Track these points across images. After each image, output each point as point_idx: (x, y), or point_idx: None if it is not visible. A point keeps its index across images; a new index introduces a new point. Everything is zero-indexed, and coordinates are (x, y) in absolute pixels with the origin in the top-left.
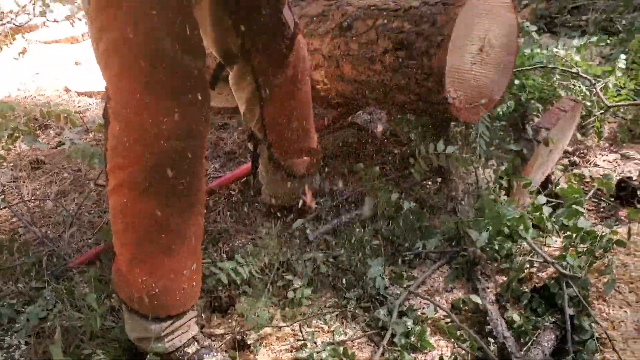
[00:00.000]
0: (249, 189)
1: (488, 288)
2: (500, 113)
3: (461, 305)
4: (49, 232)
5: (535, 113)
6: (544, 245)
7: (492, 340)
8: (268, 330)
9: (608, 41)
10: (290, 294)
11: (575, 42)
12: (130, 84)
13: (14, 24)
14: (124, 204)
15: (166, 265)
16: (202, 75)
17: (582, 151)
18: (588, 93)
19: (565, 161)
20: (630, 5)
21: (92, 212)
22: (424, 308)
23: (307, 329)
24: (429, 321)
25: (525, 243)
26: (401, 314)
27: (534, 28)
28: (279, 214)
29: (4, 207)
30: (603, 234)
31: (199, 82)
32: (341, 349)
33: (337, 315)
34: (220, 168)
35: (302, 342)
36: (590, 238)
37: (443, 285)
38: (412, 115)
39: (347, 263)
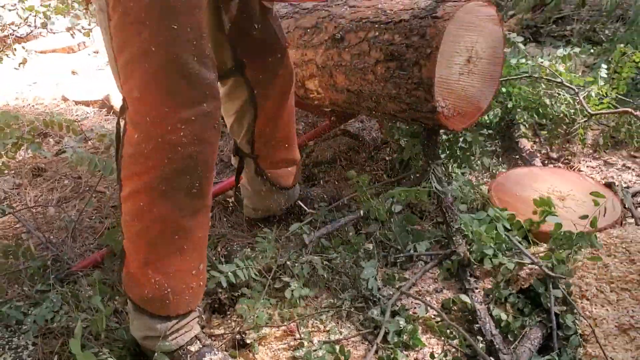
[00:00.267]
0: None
1: (476, 288)
2: (488, 121)
3: (451, 305)
4: (52, 237)
5: (521, 121)
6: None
7: (480, 338)
8: (266, 330)
9: (592, 51)
10: (288, 295)
11: (560, 51)
12: (151, 95)
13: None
14: (140, 208)
15: (178, 266)
16: (215, 86)
17: (566, 157)
18: (572, 101)
19: (551, 167)
20: (612, 16)
21: (93, 217)
22: (415, 308)
23: (304, 329)
24: (420, 320)
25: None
26: (394, 314)
27: (520, 39)
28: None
29: (9, 213)
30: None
31: (212, 92)
32: (337, 347)
33: (332, 315)
34: (216, 176)
35: (299, 341)
36: (566, 240)
37: (433, 286)
38: (403, 124)
39: (342, 265)
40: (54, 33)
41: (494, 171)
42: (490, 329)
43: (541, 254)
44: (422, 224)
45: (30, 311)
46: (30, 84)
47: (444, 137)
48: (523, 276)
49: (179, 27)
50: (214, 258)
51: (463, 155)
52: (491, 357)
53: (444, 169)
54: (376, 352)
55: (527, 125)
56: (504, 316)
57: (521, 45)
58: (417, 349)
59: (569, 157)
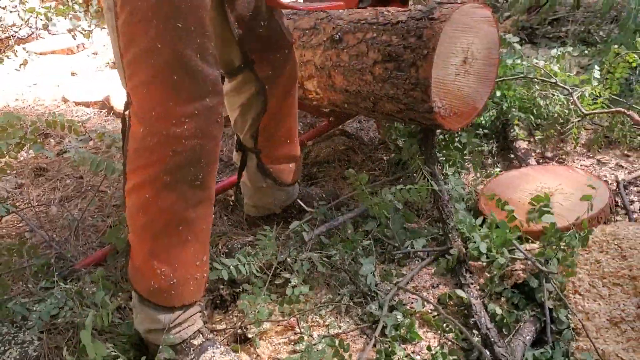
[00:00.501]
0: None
1: (472, 284)
2: (483, 122)
3: (447, 300)
4: (54, 235)
5: (516, 122)
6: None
7: (476, 332)
8: (267, 325)
9: (586, 52)
10: (288, 291)
11: (554, 52)
12: (157, 90)
13: (17, 37)
14: (145, 200)
15: (182, 257)
16: (218, 81)
17: (560, 157)
18: (566, 102)
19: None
20: (606, 17)
21: (95, 216)
22: (412, 303)
23: (304, 324)
24: (417, 314)
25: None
26: (391, 308)
27: (516, 39)
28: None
29: (12, 212)
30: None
31: (215, 88)
32: (337, 340)
33: (331, 310)
34: (216, 175)
35: (300, 335)
36: (557, 237)
37: (430, 282)
38: (400, 124)
39: (341, 262)
40: (52, 35)
41: (489, 171)
42: (486, 322)
43: (535, 251)
44: (419, 222)
45: (35, 307)
46: (30, 85)
47: (441, 137)
48: (517, 271)
49: (184, 26)
50: (215, 255)
51: (458, 155)
52: (486, 350)
53: (440, 168)
54: (374, 345)
55: (522, 125)
56: (498, 310)
57: (517, 46)
58: (414, 342)
59: (563, 157)
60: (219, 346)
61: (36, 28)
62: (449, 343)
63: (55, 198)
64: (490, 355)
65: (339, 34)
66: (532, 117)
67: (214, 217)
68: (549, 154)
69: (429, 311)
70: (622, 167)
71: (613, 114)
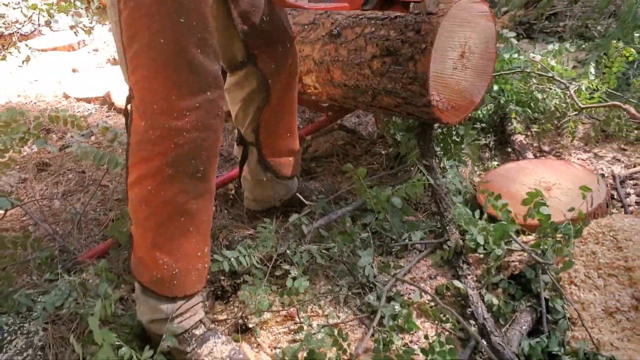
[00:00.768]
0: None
1: (469, 275)
2: (481, 116)
3: (444, 291)
4: (58, 228)
5: (513, 115)
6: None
7: (473, 322)
8: (268, 315)
9: (583, 47)
10: (288, 283)
11: (551, 47)
12: (158, 84)
13: (20, 33)
14: (147, 192)
15: (184, 248)
16: (219, 75)
17: (557, 150)
18: (563, 96)
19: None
20: (604, 12)
21: (98, 210)
22: (410, 294)
23: (304, 314)
24: (415, 305)
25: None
26: (389, 299)
27: (513, 34)
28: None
29: (16, 206)
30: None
31: (216, 82)
32: (335, 330)
33: (330, 300)
34: (218, 169)
35: (299, 325)
36: (552, 227)
37: (427, 273)
38: (398, 118)
39: (340, 254)
40: (53, 31)
41: (487, 164)
42: (482, 313)
43: (531, 242)
44: (417, 215)
45: (39, 299)
46: (31, 81)
47: (438, 130)
48: (514, 263)
49: (186, 21)
50: (216, 248)
51: (455, 148)
52: (483, 340)
53: (438, 161)
54: (373, 335)
55: (519, 119)
56: (495, 301)
57: (514, 41)
58: (411, 332)
59: (560, 150)
60: (220, 336)
61: (38, 25)
62: (446, 333)
63: (58, 192)
64: (487, 344)
65: (337, 28)
66: (529, 111)
67: (215, 210)
68: (546, 148)
69: (427, 302)
70: (619, 160)
71: (610, 108)
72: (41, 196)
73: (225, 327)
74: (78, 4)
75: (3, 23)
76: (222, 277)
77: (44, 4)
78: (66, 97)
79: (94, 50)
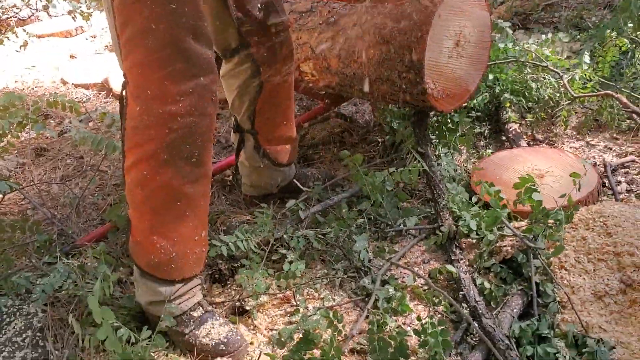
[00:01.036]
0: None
1: (462, 259)
2: (476, 104)
3: (437, 275)
4: (56, 213)
5: (507, 104)
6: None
7: (465, 305)
8: (265, 298)
9: (578, 37)
10: (285, 266)
11: (544, 37)
12: (151, 69)
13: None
14: (143, 177)
15: (181, 231)
16: (212, 61)
17: (551, 139)
18: (556, 85)
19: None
20: (599, 3)
21: (96, 194)
22: (404, 277)
23: (300, 297)
24: (409, 288)
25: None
26: (383, 283)
27: (508, 24)
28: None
29: (15, 190)
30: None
31: (209, 67)
32: (331, 312)
33: (326, 284)
34: (214, 156)
35: (296, 307)
36: (543, 213)
37: (421, 258)
38: (394, 106)
39: (335, 239)
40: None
41: (481, 152)
42: (474, 296)
43: (523, 228)
44: (411, 201)
45: (38, 281)
46: (29, 67)
47: (434, 119)
48: (506, 248)
49: (177, 7)
50: (214, 233)
51: (450, 137)
52: (474, 322)
53: (433, 149)
54: (367, 317)
55: (513, 108)
56: (487, 284)
57: (509, 30)
58: (405, 314)
59: (554, 139)
60: (218, 318)
61: (36, 10)
62: (439, 315)
63: (57, 177)
64: (478, 326)
65: (334, 16)
66: (523, 100)
67: (213, 196)
68: (539, 136)
69: (420, 285)
70: (611, 149)
71: (602, 97)
72: (40, 181)
73: (223, 309)
74: None
75: (1, 7)
76: (220, 261)
77: None
78: (64, 82)
79: (92, 36)
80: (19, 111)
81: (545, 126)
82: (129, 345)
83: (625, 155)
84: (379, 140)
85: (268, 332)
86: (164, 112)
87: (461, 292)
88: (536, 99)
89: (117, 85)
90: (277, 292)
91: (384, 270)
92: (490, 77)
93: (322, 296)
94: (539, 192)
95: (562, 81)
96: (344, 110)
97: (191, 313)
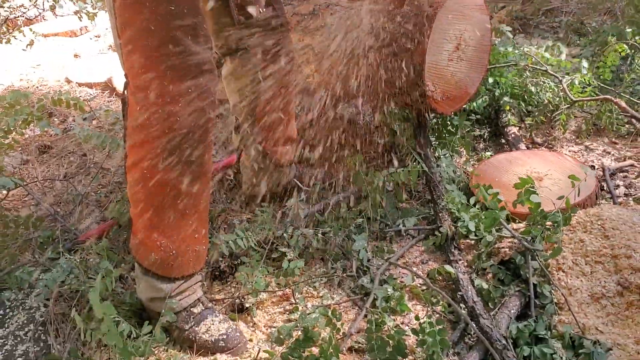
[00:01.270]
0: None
1: (460, 260)
2: (476, 108)
3: (436, 275)
4: (59, 209)
5: (507, 108)
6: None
7: (463, 305)
8: (264, 295)
9: (578, 42)
10: (284, 264)
11: (543, 42)
12: (152, 70)
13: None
14: (144, 175)
15: (181, 229)
16: (211, 61)
17: (549, 142)
18: (556, 89)
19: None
20: (598, 9)
21: (99, 192)
22: (402, 277)
23: (299, 295)
24: (407, 288)
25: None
26: (382, 282)
27: (509, 29)
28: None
29: (19, 186)
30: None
31: (208, 67)
32: (329, 310)
33: (325, 282)
34: (214, 155)
35: (295, 305)
36: (541, 215)
37: (420, 258)
38: (395, 108)
39: (335, 238)
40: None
41: (481, 155)
42: (472, 296)
43: (521, 230)
44: (411, 202)
45: (41, 276)
46: (34, 66)
47: (434, 121)
48: (504, 249)
49: (177, 8)
50: (215, 231)
51: (449, 139)
52: (472, 322)
53: (433, 151)
54: (365, 316)
55: (513, 111)
56: (485, 285)
57: (509, 34)
58: (403, 313)
59: (553, 143)
60: (217, 314)
61: (43, 9)
62: (437, 315)
63: (60, 174)
64: (476, 326)
65: (336, 19)
66: (523, 103)
67: (213, 195)
68: (538, 140)
69: (418, 285)
70: (609, 153)
71: (601, 101)
72: (43, 177)
73: (223, 306)
74: None
75: (9, 7)
76: (220, 259)
77: None
78: (68, 81)
79: (96, 36)
80: (24, 109)
81: (545, 130)
82: (130, 340)
83: (624, 160)
84: (379, 141)
85: (267, 329)
86: (164, 112)
87: (459, 293)
88: (536, 102)
89: (120, 84)
90: (277, 289)
91: (382, 269)
92: (490, 80)
93: (321, 294)
94: (537, 194)
95: (561, 85)
96: (345, 112)
97: (191, 309)
